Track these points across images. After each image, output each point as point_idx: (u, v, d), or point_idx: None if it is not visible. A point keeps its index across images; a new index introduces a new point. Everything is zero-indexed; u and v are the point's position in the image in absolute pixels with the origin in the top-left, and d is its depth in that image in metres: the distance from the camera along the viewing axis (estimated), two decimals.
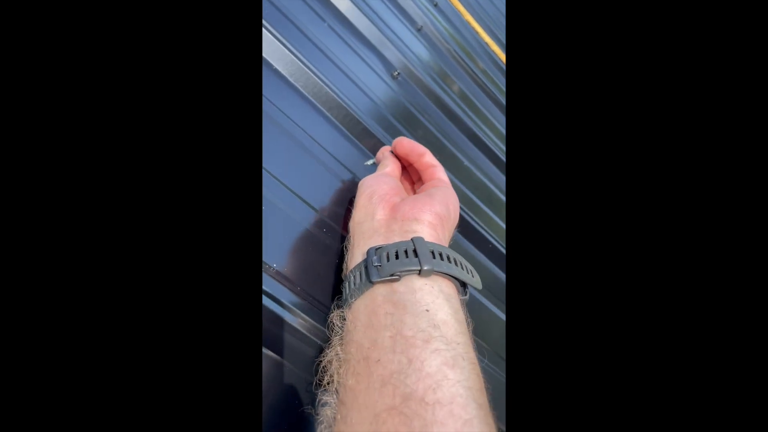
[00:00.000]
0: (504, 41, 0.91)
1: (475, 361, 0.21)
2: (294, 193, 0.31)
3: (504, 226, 0.52)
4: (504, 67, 0.83)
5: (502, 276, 0.47)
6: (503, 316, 0.43)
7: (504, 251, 0.49)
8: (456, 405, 0.18)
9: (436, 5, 0.74)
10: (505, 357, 0.41)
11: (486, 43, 0.83)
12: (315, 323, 0.27)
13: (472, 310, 0.40)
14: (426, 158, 0.33)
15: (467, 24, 0.82)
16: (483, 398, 0.20)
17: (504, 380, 0.40)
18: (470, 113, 0.61)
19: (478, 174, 0.55)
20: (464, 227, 0.46)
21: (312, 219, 0.31)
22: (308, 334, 0.27)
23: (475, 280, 0.26)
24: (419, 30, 0.63)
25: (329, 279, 0.29)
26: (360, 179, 0.32)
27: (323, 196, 0.33)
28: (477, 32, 0.83)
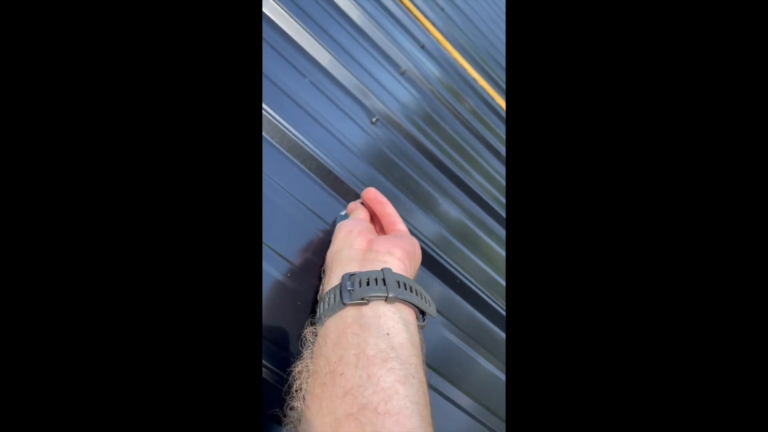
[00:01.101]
0: (493, 76, 0.94)
1: (424, 380, 0.25)
2: (270, 248, 0.34)
3: (482, 264, 0.54)
4: (491, 102, 0.86)
5: (478, 315, 0.49)
6: (483, 361, 0.45)
7: (473, 287, 0.51)
8: (402, 416, 0.22)
9: (422, 47, 0.78)
10: (492, 405, 0.43)
11: (474, 79, 0.86)
12: (276, 369, 0.30)
13: (455, 356, 0.42)
14: (387, 209, 0.38)
15: (455, 62, 0.85)
16: (426, 412, 0.23)
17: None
18: (455, 156, 0.64)
19: (457, 213, 0.57)
20: (433, 266, 0.48)
21: (284, 270, 0.34)
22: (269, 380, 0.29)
23: (431, 309, 0.30)
24: (402, 74, 0.66)
25: (295, 329, 0.32)
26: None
27: (299, 249, 0.36)
28: (465, 69, 0.86)
